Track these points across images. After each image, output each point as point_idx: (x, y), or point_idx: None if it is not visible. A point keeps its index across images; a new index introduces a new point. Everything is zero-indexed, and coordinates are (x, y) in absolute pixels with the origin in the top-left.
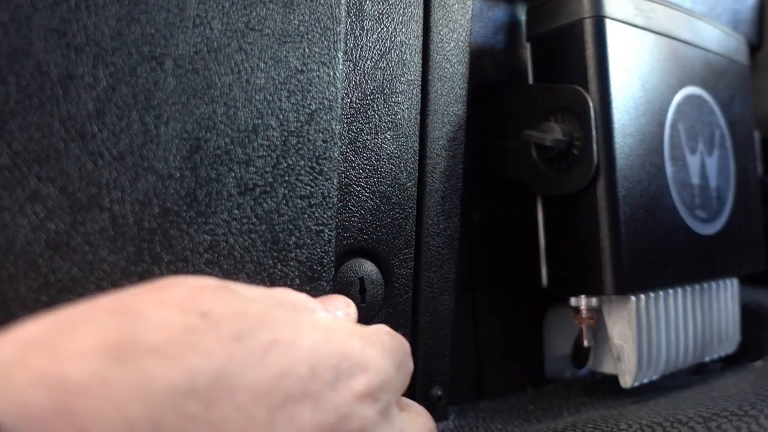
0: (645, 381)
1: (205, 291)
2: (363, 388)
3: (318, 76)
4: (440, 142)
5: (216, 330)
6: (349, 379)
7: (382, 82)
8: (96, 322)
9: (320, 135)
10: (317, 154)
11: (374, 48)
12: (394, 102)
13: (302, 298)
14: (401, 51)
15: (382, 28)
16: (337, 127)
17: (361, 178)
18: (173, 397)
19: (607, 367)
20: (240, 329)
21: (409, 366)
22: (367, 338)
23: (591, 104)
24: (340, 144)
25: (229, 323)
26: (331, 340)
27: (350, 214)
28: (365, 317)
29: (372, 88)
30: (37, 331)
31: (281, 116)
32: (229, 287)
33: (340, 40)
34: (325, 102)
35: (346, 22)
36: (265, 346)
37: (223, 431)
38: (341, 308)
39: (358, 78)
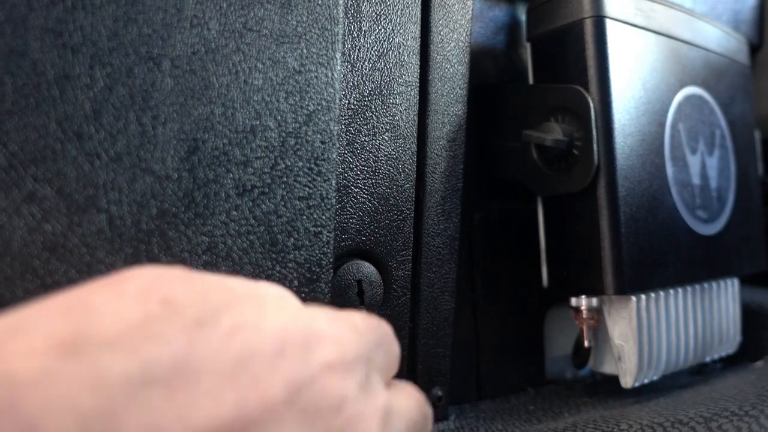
0: (646, 381)
1: (168, 278)
2: (332, 357)
3: (316, 77)
4: (440, 143)
5: (177, 317)
6: (318, 352)
7: (380, 83)
8: (47, 321)
9: (318, 136)
10: (315, 155)
11: (372, 49)
12: (392, 103)
13: (279, 290)
14: (399, 52)
15: (380, 30)
16: (335, 128)
17: (359, 179)
18: (129, 386)
19: (608, 368)
20: (203, 314)
21: (393, 348)
22: (335, 317)
23: (591, 104)
24: (338, 145)
25: (191, 309)
26: (298, 319)
27: (348, 216)
28: None
29: (370, 89)
30: None
31: (279, 117)
32: (194, 275)
33: (337, 41)
34: (323, 103)
35: (344, 23)
36: (228, 330)
37: (191, 416)
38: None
39: (355, 79)
